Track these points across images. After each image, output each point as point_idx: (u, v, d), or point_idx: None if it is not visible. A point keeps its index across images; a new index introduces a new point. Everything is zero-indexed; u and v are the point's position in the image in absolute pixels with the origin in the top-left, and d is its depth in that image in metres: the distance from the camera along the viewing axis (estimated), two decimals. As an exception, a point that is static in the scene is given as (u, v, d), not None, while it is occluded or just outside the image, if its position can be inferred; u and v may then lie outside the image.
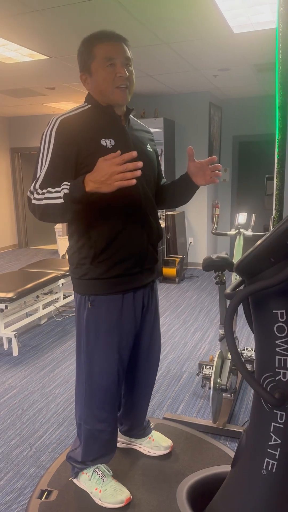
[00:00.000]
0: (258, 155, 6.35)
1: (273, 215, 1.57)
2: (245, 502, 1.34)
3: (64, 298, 4.30)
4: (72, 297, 4.31)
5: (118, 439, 1.96)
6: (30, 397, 2.76)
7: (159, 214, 2.09)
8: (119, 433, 2.03)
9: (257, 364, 1.32)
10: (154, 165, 1.73)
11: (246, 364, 2.45)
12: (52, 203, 1.39)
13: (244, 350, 2.91)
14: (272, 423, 1.28)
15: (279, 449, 1.27)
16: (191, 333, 3.80)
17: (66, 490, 1.82)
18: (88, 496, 1.78)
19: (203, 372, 2.62)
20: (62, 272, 4.01)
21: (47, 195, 1.40)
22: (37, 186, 1.45)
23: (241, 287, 1.32)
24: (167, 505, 1.72)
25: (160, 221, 4.58)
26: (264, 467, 1.29)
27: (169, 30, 3.31)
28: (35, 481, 1.98)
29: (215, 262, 2.34)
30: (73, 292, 1.72)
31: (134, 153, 1.30)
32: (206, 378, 2.60)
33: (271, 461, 1.28)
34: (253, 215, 3.07)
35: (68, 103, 6.52)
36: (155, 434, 2.08)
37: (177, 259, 5.53)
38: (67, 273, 4.03)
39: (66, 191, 1.36)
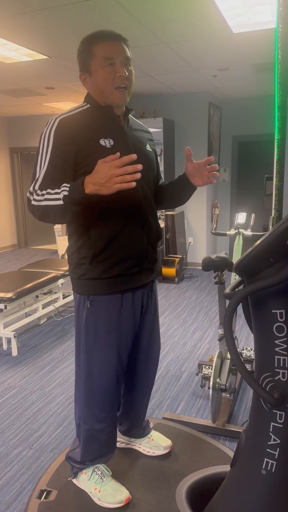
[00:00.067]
0: (257, 155, 6.35)
1: (273, 215, 1.57)
2: (244, 502, 1.34)
3: (63, 298, 4.30)
4: (71, 297, 4.31)
5: (118, 439, 1.96)
6: (30, 397, 2.76)
7: (158, 214, 2.09)
8: (118, 433, 2.02)
9: (256, 364, 1.32)
10: (153, 165, 1.73)
11: (245, 364, 2.46)
12: (52, 205, 1.39)
13: (243, 350, 2.91)
14: (272, 423, 1.28)
15: (278, 449, 1.27)
16: (191, 333, 3.80)
17: (65, 490, 1.82)
18: (87, 496, 1.78)
19: (203, 372, 2.62)
20: (61, 272, 4.01)
21: (46, 196, 1.40)
22: (37, 187, 1.45)
23: (241, 287, 1.32)
24: (166, 505, 1.72)
25: (160, 221, 4.58)
26: (263, 467, 1.29)
27: (168, 30, 3.30)
28: (34, 481, 1.98)
29: (214, 262, 2.34)
30: (72, 292, 1.72)
31: (134, 156, 1.30)
32: (206, 378, 2.60)
33: (270, 461, 1.28)
34: (253, 215, 3.07)
35: (67, 103, 6.52)
36: (154, 434, 2.08)
37: (177, 259, 5.53)
38: (67, 273, 4.03)
39: (65, 193, 1.36)
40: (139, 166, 1.30)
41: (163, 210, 5.65)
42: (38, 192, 1.43)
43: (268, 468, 1.28)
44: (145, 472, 1.92)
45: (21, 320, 3.75)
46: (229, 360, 2.47)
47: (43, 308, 3.97)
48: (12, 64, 4.21)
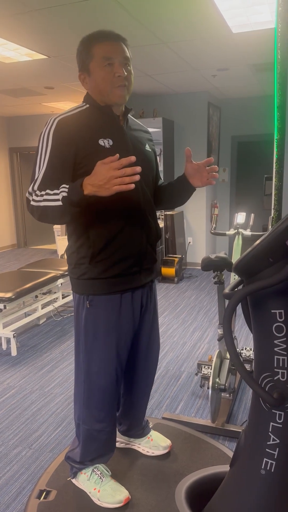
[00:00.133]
0: (257, 155, 6.35)
1: (272, 215, 1.57)
2: (243, 502, 1.34)
3: (62, 298, 4.30)
4: (70, 297, 4.31)
5: (117, 439, 1.96)
6: (29, 397, 2.76)
7: (158, 214, 2.09)
8: (117, 433, 2.02)
9: (255, 364, 1.32)
10: (152, 165, 1.73)
11: (244, 364, 2.46)
12: (51, 205, 1.39)
13: (242, 350, 2.91)
14: (271, 423, 1.28)
15: (277, 449, 1.27)
16: (190, 333, 3.80)
17: (65, 490, 1.82)
18: (86, 496, 1.78)
19: (202, 372, 2.62)
20: (61, 272, 4.01)
21: (45, 197, 1.40)
22: (36, 187, 1.45)
23: (240, 287, 1.32)
24: (165, 505, 1.72)
25: (159, 221, 4.58)
26: (262, 467, 1.29)
27: (168, 29, 3.30)
28: (34, 481, 1.98)
29: (214, 262, 2.34)
30: (71, 292, 1.72)
31: (133, 158, 1.30)
32: (205, 378, 2.60)
33: (269, 461, 1.28)
34: (252, 215, 3.07)
35: (67, 103, 6.52)
36: (153, 434, 2.08)
37: (176, 259, 5.53)
38: (66, 273, 4.03)
39: (64, 194, 1.36)
40: (138, 168, 1.30)
41: (163, 210, 5.65)
42: (37, 192, 1.43)
43: (268, 468, 1.28)
44: (144, 472, 1.92)
45: (20, 320, 3.75)
46: (228, 360, 2.47)
47: (42, 308, 3.97)
48: (11, 64, 4.20)
